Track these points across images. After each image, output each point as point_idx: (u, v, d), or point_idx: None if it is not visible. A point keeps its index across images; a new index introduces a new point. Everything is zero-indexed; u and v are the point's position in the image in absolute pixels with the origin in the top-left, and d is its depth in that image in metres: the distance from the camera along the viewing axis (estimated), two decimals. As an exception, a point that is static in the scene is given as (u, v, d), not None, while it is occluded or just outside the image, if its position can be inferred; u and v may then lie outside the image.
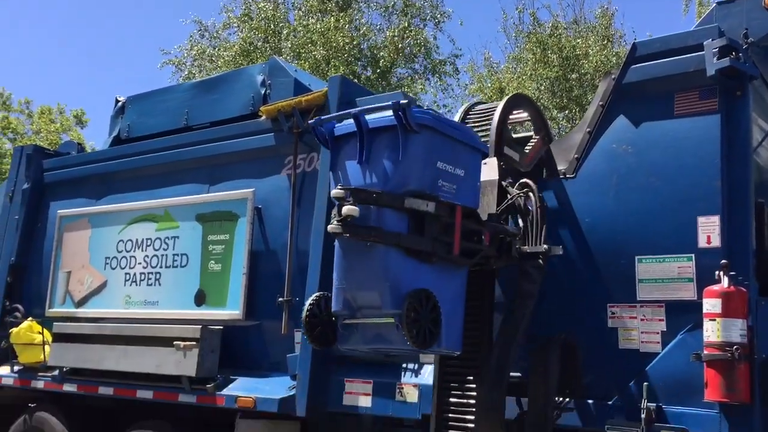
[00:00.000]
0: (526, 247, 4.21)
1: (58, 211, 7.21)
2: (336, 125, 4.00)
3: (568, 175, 4.52)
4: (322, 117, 4.08)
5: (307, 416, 5.21)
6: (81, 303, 6.88)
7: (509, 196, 4.33)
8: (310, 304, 4.03)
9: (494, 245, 4.12)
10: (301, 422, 5.70)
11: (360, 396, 5.06)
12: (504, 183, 4.41)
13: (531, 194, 4.32)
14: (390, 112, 3.67)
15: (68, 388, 6.62)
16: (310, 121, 4.08)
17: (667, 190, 4.15)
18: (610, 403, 4.08)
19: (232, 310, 5.83)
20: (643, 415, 3.80)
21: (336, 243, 3.91)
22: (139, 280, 6.48)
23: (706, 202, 4.02)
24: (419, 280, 3.74)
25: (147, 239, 6.46)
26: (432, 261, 3.76)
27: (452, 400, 4.34)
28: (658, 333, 4.05)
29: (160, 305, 6.29)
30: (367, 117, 3.81)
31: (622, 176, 4.31)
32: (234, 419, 5.63)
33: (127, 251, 6.61)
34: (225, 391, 5.61)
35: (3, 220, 7.70)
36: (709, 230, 3.97)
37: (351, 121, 3.85)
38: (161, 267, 6.34)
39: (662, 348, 4.03)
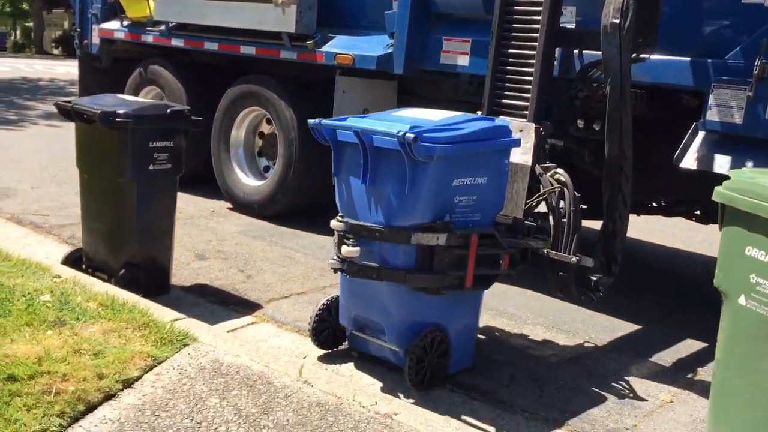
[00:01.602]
0: (554, 253, 3.74)
1: None
2: (339, 131, 3.41)
3: None
4: (323, 121, 3.44)
5: (404, 74, 5.33)
6: (176, -45, 6.87)
7: (542, 188, 3.79)
8: (319, 309, 3.72)
9: (515, 262, 3.67)
10: (399, 82, 5.87)
11: (458, 55, 5.06)
12: (538, 170, 3.82)
13: (566, 191, 3.73)
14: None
15: (176, 42, 6.98)
16: (309, 121, 3.48)
17: None
18: (721, 60, 3.92)
19: (328, -35, 5.75)
20: (755, 72, 3.66)
21: None
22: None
23: None
24: (428, 311, 3.45)
25: None
26: (442, 293, 3.40)
27: None
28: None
29: (256, -43, 6.20)
30: (374, 136, 3.23)
31: None
32: (333, 76, 5.83)
33: None
34: (324, 48, 5.79)
35: None
36: None
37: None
38: None
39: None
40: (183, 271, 4.87)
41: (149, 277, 4.26)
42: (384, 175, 3.28)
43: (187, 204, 6.68)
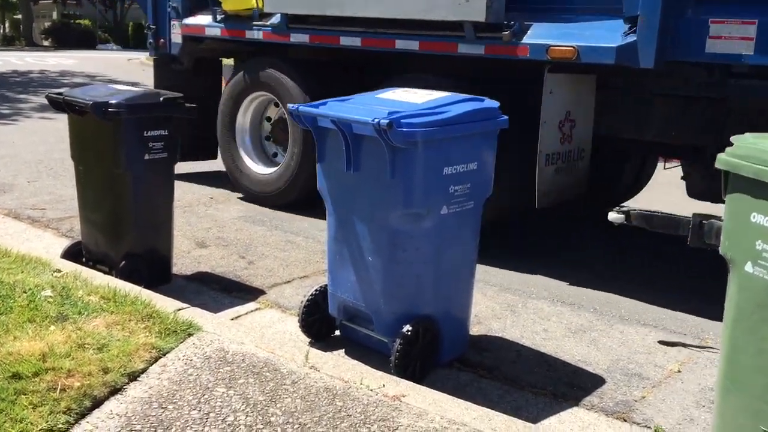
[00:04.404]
0: None
1: None
2: (319, 118, 3.32)
3: None
4: (301, 107, 3.35)
5: (655, 68, 4.23)
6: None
7: None
8: (308, 301, 3.63)
9: None
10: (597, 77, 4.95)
11: (735, 41, 3.97)
12: None
13: None
14: None
15: (298, 38, 5.74)
16: (288, 106, 3.42)
17: None
18: None
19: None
20: None
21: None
22: None
23: None
24: (417, 301, 3.34)
25: None
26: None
27: None
28: None
29: None
30: (351, 123, 3.14)
31: None
32: (532, 75, 4.74)
33: None
34: (529, 40, 4.56)
35: None
36: None
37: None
38: None
39: None
40: (184, 260, 4.84)
41: (150, 267, 4.23)
42: (368, 163, 3.20)
43: (185, 192, 6.64)
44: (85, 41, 38.06)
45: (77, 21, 41.70)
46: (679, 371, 3.59)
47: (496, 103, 3.47)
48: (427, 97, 3.38)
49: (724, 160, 2.65)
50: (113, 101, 3.95)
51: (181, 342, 3.16)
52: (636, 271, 5.02)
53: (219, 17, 6.23)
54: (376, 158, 3.14)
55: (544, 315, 4.21)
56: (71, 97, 4.12)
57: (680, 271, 5.15)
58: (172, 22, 6.63)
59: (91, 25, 41.13)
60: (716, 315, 4.22)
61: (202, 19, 6.42)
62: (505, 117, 3.45)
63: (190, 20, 6.51)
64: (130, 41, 39.07)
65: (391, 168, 3.09)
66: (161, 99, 4.14)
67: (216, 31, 6.28)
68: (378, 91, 3.66)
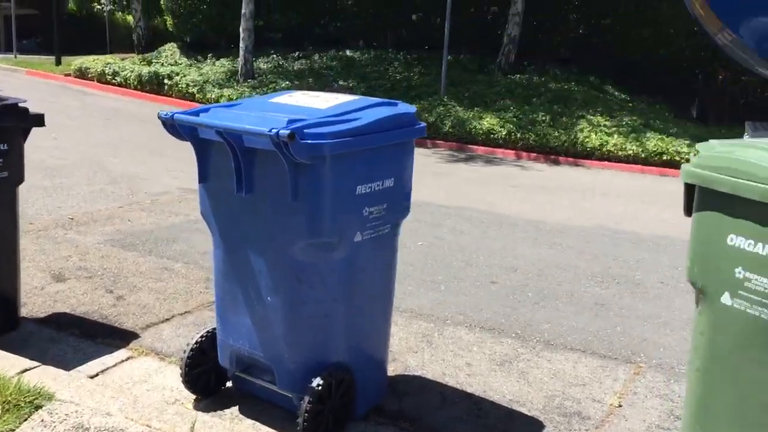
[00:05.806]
0: None
1: None
2: (199, 129, 2.69)
3: None
4: (176, 114, 2.69)
5: None
6: None
7: None
8: (191, 350, 2.98)
9: None
10: None
11: None
12: None
13: None
14: None
15: None
16: (159, 113, 2.72)
17: None
18: None
19: None
20: None
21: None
22: None
23: None
24: (328, 346, 2.77)
25: None
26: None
27: None
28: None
29: None
30: (242, 135, 2.53)
31: None
32: None
33: None
34: None
35: None
36: None
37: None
38: None
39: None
40: (36, 299, 4.03)
41: (-11, 313, 3.43)
42: (264, 182, 2.60)
43: (38, 212, 5.74)
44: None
45: None
46: (620, 405, 3.21)
47: (412, 108, 2.95)
48: (332, 102, 2.81)
49: (691, 172, 2.25)
50: (-68, 108, 3.13)
51: (25, 420, 2.44)
52: (551, 288, 4.66)
53: None
54: (274, 177, 2.55)
55: (464, 345, 3.74)
56: None
57: (594, 286, 4.85)
58: None
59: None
60: (644, 333, 3.95)
61: None
62: (423, 124, 2.94)
63: None
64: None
65: (293, 188, 2.50)
66: (-3, 105, 3.35)
67: None
68: (272, 94, 3.05)
